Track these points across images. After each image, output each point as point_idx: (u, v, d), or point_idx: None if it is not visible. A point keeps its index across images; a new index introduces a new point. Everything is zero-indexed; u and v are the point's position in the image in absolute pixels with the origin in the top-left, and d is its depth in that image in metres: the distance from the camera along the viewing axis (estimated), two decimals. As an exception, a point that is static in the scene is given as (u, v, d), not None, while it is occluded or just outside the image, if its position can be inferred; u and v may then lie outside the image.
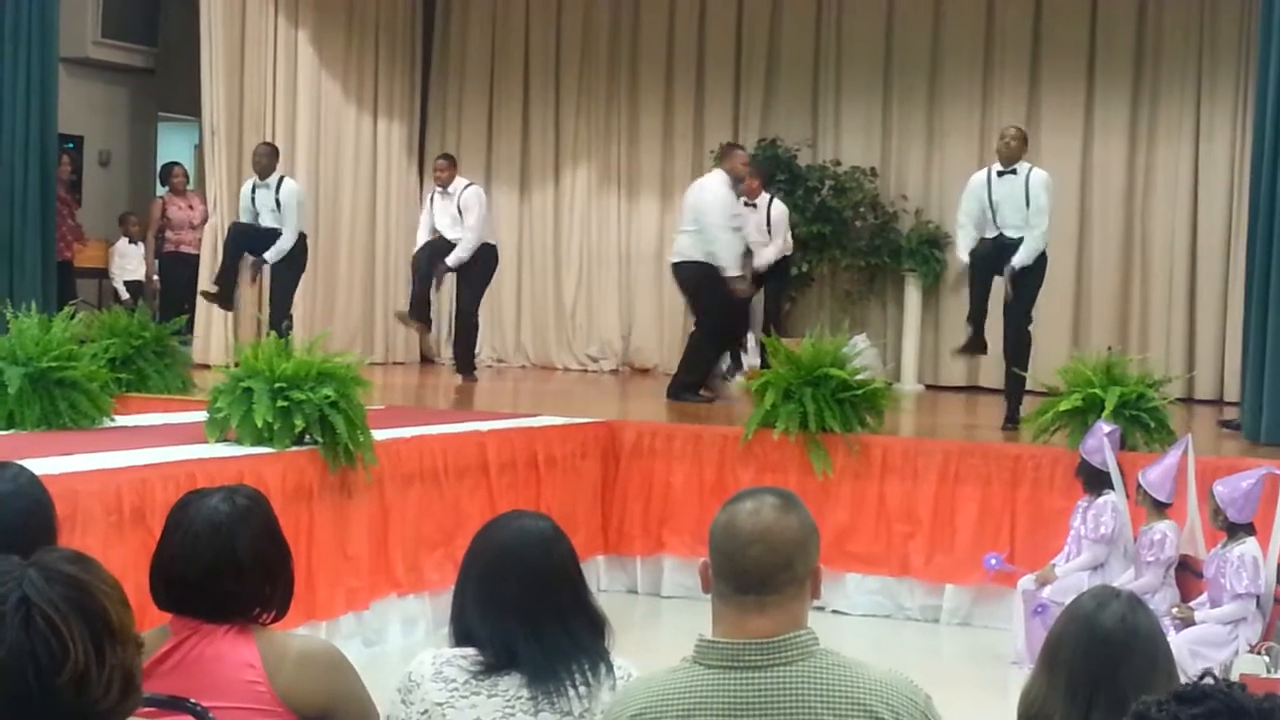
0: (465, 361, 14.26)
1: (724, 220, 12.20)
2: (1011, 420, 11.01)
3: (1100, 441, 8.64)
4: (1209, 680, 2.00)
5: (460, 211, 13.96)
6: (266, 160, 13.44)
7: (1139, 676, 3.10)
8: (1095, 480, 8.68)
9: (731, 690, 3.01)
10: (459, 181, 14.25)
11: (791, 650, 3.02)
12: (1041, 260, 11.04)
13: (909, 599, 9.92)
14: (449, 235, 13.99)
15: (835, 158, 16.00)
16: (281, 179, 13.43)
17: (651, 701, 3.07)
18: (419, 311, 14.29)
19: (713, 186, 12.39)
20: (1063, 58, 15.40)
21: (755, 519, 3.07)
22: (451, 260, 13.90)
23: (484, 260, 14.16)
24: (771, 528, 3.06)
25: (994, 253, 11.01)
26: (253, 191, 13.36)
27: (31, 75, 12.27)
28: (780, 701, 2.98)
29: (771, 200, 13.76)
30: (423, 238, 14.32)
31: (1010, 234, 10.98)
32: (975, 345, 11.37)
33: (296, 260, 13.46)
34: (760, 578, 3.04)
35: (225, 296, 13.54)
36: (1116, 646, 3.17)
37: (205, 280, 14.76)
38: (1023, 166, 11.10)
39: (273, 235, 13.29)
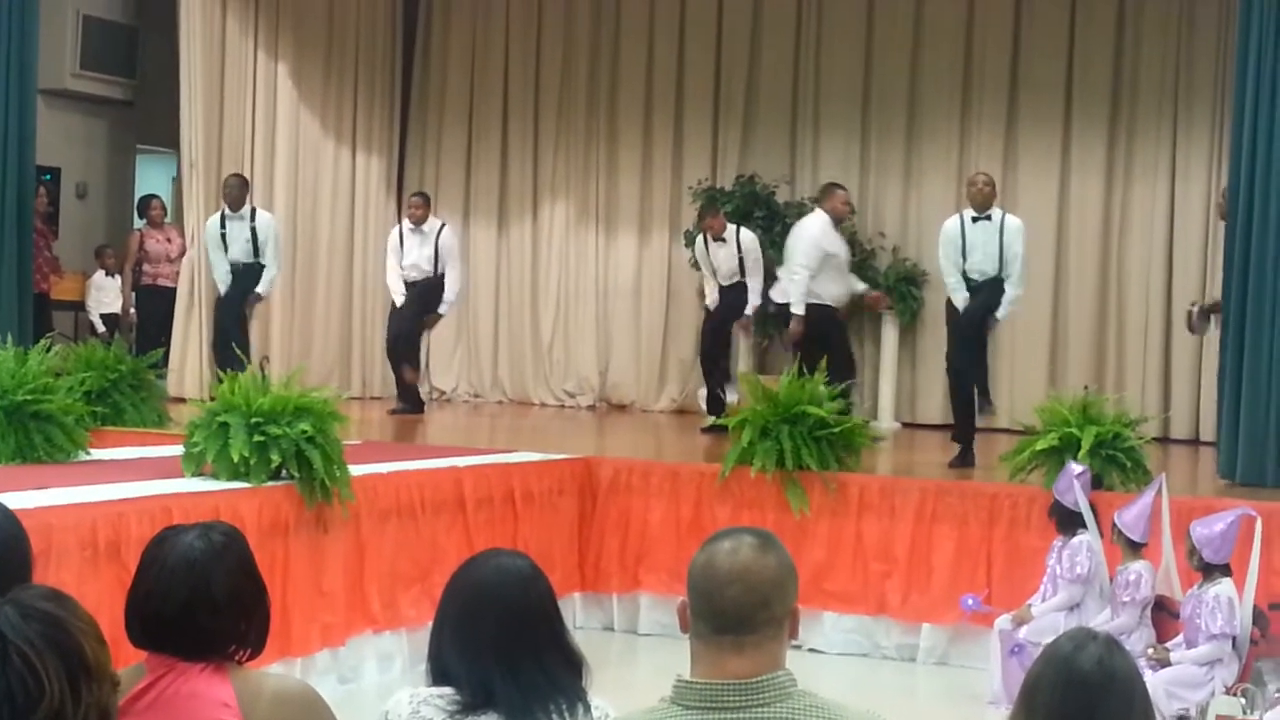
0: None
1: (806, 259, 12.09)
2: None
3: (1070, 482, 8.67)
4: None
5: (438, 251, 14.02)
6: (238, 191, 13.43)
7: (1116, 719, 3.10)
8: (1068, 521, 8.71)
9: (709, 731, 3.00)
10: (433, 221, 14.29)
11: (769, 692, 3.01)
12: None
13: (885, 638, 9.92)
14: (420, 273, 14.02)
15: (813, 194, 16.02)
16: (254, 210, 13.43)
17: (629, 742, 3.06)
18: (411, 399, 14.34)
19: (806, 226, 12.38)
20: (1040, 97, 15.47)
21: (733, 559, 3.06)
22: (443, 308, 14.19)
23: (432, 291, 14.20)
24: (750, 568, 3.05)
25: (974, 321, 11.18)
26: (222, 224, 13.30)
27: (9, 106, 12.25)
28: (758, 743, 2.98)
29: (739, 230, 13.80)
30: (394, 281, 14.29)
31: (975, 277, 11.08)
32: (967, 458, 11.27)
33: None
34: (738, 618, 3.03)
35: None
36: (1094, 688, 3.17)
37: (181, 313, 14.73)
38: (996, 212, 11.18)
39: (251, 273, 13.25)
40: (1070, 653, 3.25)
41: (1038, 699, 3.21)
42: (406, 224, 14.33)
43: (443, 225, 14.36)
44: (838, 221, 12.48)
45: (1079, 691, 3.16)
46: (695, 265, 15.02)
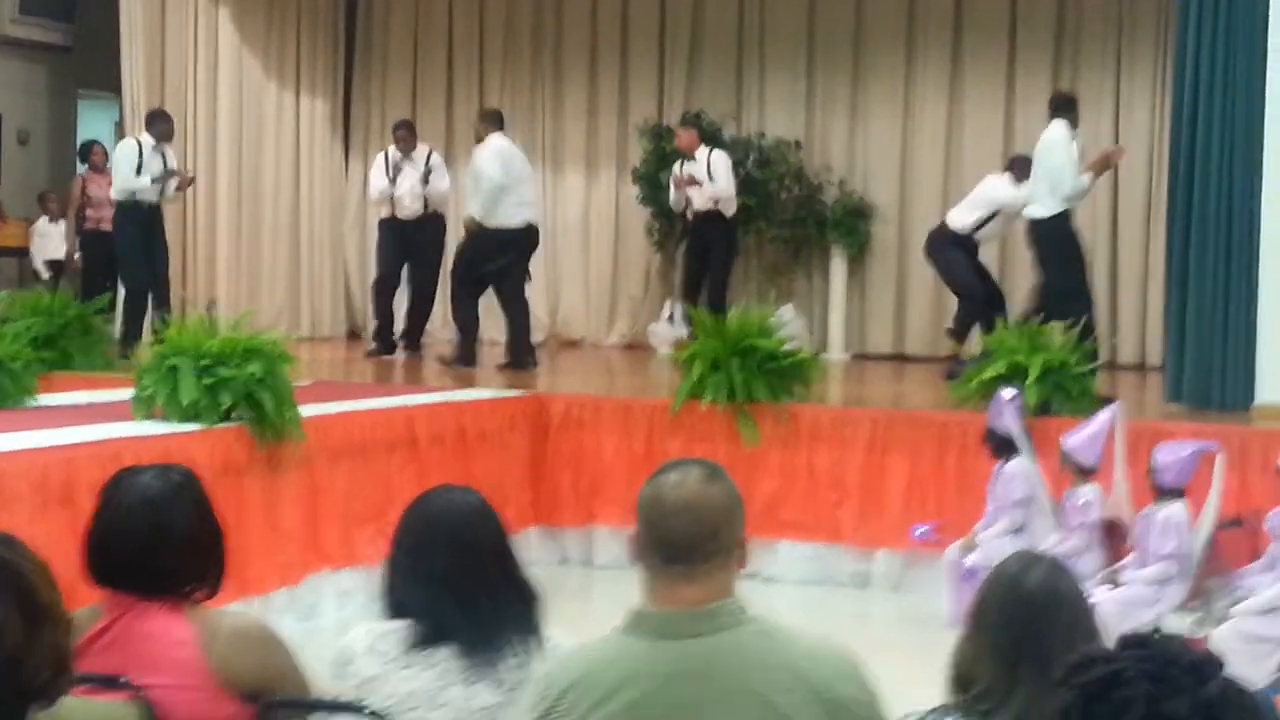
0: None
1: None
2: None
3: (1002, 408, 8.74)
4: (1154, 633, 2.05)
5: (428, 175, 13.75)
6: (171, 125, 13.40)
7: (1062, 638, 3.16)
8: (1002, 446, 8.77)
9: (664, 660, 3.03)
10: (422, 148, 14.04)
11: (722, 618, 3.05)
12: None
13: (840, 565, 9.98)
14: (410, 203, 13.74)
15: (760, 130, 16.04)
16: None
17: (584, 672, 3.09)
18: (386, 339, 14.05)
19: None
20: (984, 31, 15.50)
21: (680, 490, 3.10)
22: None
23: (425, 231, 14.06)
24: (697, 498, 3.09)
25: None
26: (140, 154, 12.94)
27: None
28: (713, 669, 3.01)
29: (711, 152, 13.78)
30: (383, 208, 13.99)
31: None
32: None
33: (125, 226, 13.09)
34: (687, 548, 3.06)
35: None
36: (1039, 609, 3.23)
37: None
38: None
39: (157, 214, 13.10)
40: (1016, 574, 3.31)
41: (986, 620, 3.28)
42: (395, 155, 13.87)
43: (431, 150, 14.14)
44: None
45: (1025, 611, 3.23)
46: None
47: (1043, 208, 11.39)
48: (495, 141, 12.75)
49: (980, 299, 12.53)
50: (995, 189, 12.60)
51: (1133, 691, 1.90)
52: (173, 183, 13.21)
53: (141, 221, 12.97)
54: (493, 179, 12.49)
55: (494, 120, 13.06)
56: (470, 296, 13.10)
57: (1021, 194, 11.99)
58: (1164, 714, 1.88)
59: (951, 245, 12.60)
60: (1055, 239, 11.49)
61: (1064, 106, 11.72)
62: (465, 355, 12.92)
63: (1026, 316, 11.05)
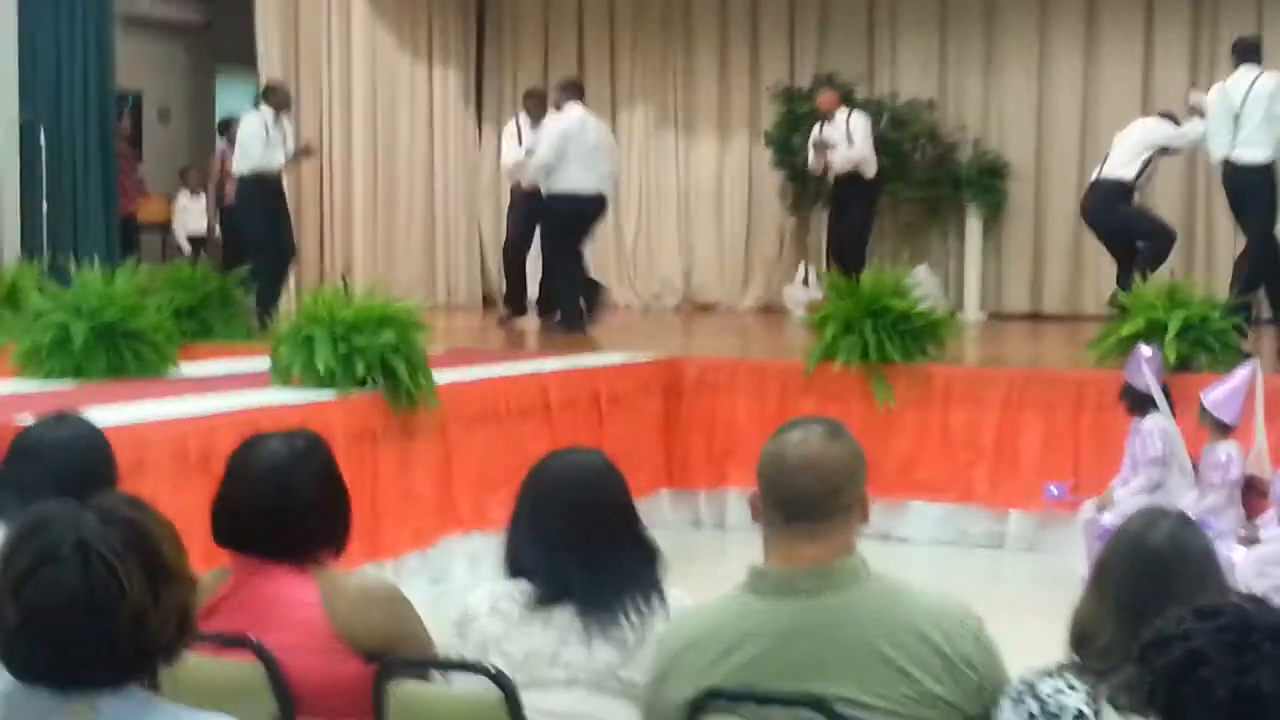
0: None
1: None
2: None
3: (1140, 364, 8.62)
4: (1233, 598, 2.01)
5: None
6: (289, 93, 13.47)
7: (1187, 596, 3.09)
8: (1139, 403, 8.64)
9: (783, 617, 3.04)
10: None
11: (842, 576, 3.06)
12: None
13: (973, 525, 9.90)
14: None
15: (893, 90, 15.90)
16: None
17: (703, 630, 3.11)
18: (516, 302, 13.93)
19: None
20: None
21: (803, 448, 3.10)
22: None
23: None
24: (819, 456, 3.09)
25: None
26: (278, 124, 13.08)
27: (88, 34, 12.34)
28: (833, 627, 3.02)
29: (850, 114, 13.64)
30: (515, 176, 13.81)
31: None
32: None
33: (253, 201, 12.96)
34: (809, 505, 3.07)
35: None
36: (1164, 566, 3.16)
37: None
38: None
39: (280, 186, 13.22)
40: (1141, 530, 3.25)
41: (1109, 577, 3.22)
42: (526, 121, 13.57)
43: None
44: None
45: (1149, 568, 3.16)
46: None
47: (1262, 152, 11.06)
48: (569, 113, 12.69)
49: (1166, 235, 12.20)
50: (1153, 130, 12.20)
51: (1214, 669, 1.84)
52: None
53: (268, 194, 13.12)
54: (543, 156, 12.53)
55: (572, 90, 12.99)
56: (565, 265, 13.08)
57: (1183, 132, 11.74)
58: (1250, 688, 1.82)
59: (1121, 200, 12.18)
60: (1269, 185, 11.23)
61: (1256, 52, 11.38)
62: (571, 320, 12.89)
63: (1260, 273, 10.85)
